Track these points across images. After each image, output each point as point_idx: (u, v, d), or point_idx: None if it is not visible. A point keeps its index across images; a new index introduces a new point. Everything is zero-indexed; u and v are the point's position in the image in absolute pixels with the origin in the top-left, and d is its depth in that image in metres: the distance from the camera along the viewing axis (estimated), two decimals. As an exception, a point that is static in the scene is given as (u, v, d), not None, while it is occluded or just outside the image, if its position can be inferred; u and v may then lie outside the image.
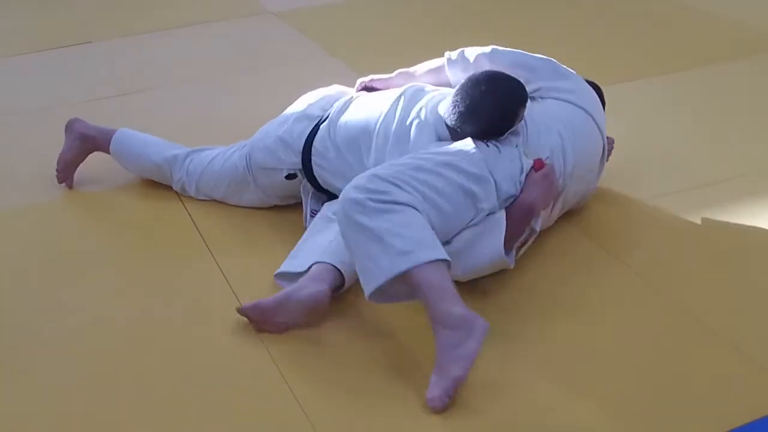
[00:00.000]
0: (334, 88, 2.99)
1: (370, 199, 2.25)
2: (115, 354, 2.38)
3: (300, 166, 2.77)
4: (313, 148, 2.74)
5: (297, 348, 2.35)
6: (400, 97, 2.69)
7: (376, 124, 2.65)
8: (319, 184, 2.77)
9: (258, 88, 3.98)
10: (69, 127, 3.20)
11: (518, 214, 2.44)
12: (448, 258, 2.22)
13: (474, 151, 2.42)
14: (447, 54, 2.80)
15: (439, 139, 2.56)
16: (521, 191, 2.45)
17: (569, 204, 2.72)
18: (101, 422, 2.15)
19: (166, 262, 2.79)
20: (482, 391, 2.17)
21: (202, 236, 2.86)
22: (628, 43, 4.41)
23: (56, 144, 3.19)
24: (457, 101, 2.50)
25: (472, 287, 2.46)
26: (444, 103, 2.56)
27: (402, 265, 2.17)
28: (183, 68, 4.32)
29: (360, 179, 2.33)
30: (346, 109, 2.77)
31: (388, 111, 2.66)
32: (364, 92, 2.91)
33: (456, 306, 2.15)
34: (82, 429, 2.14)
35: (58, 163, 3.15)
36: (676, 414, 2.10)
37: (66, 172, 3.16)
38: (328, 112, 2.80)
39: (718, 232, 2.77)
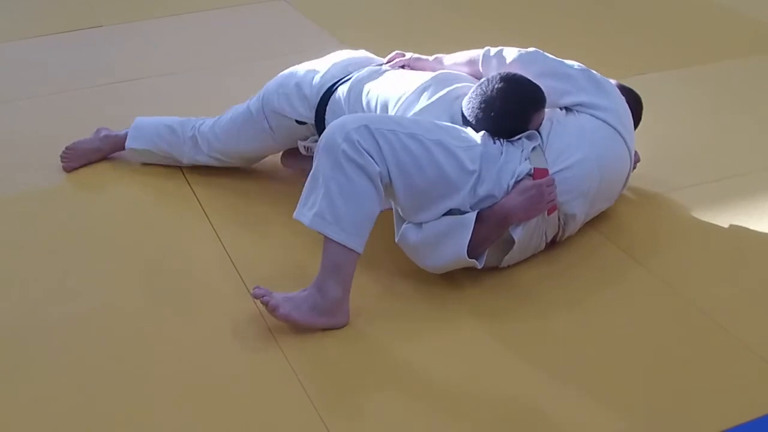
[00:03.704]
0: (362, 53, 2.99)
1: (345, 153, 2.32)
2: (122, 341, 2.38)
3: (313, 121, 2.80)
4: (327, 106, 2.76)
5: (308, 341, 2.34)
6: (428, 82, 2.68)
7: (396, 103, 2.66)
8: None
9: (268, 75, 3.96)
10: (98, 130, 3.26)
11: (493, 219, 2.42)
12: (359, 251, 2.35)
13: (476, 144, 2.43)
14: (487, 48, 2.75)
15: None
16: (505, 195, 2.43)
17: (589, 218, 2.69)
18: (106, 409, 2.15)
19: (173, 248, 2.78)
20: (489, 390, 2.17)
21: (210, 221, 2.86)
22: (642, 36, 4.39)
23: (66, 128, 3.20)
24: (473, 96, 2.52)
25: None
26: (466, 96, 2.57)
27: (317, 226, 2.34)
28: (194, 54, 4.31)
29: (353, 122, 2.37)
30: (372, 79, 2.77)
31: (412, 94, 2.66)
32: (395, 68, 2.88)
33: (338, 290, 2.33)
34: (87, 415, 2.13)
35: (69, 147, 3.15)
36: (684, 409, 2.09)
37: (75, 159, 3.16)
38: (351, 75, 2.80)
39: (728, 229, 2.75)
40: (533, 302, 2.47)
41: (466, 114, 2.53)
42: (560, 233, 2.60)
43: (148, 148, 3.13)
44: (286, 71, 2.94)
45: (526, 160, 2.46)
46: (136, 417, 2.12)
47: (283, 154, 3.12)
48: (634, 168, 2.84)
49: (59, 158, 3.17)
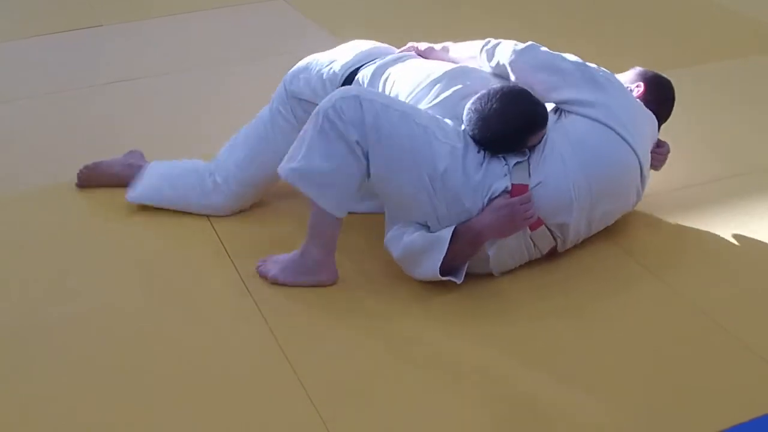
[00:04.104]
0: (384, 45, 2.95)
1: (328, 117, 2.40)
2: (122, 341, 2.38)
3: None
4: None
5: (309, 340, 2.35)
6: (440, 77, 2.66)
7: (409, 94, 2.65)
8: None
9: (268, 75, 3.96)
10: (129, 153, 3.13)
11: (466, 237, 2.42)
12: (337, 215, 2.46)
13: (451, 147, 2.43)
14: (486, 40, 2.73)
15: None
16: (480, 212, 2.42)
17: (600, 223, 2.63)
18: (106, 409, 2.15)
19: (173, 247, 2.77)
20: (490, 391, 2.18)
21: (210, 220, 2.85)
22: (643, 36, 4.39)
23: (66, 128, 3.18)
24: (472, 110, 2.48)
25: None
26: (468, 102, 2.53)
27: (292, 179, 2.47)
28: (193, 54, 4.31)
29: (347, 91, 2.46)
30: (394, 65, 2.76)
31: (424, 88, 2.65)
32: (414, 55, 2.88)
33: (319, 252, 2.49)
34: (88, 415, 2.13)
35: (88, 167, 3.04)
36: (684, 409, 2.09)
37: (91, 180, 3.03)
38: (375, 60, 2.79)
39: (727, 229, 2.74)
40: (532, 302, 2.47)
41: (465, 126, 2.50)
42: (558, 243, 2.57)
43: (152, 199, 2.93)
44: (307, 58, 2.90)
45: (505, 176, 2.43)
46: (136, 417, 2.12)
47: None
48: (664, 159, 2.79)
49: (76, 174, 3.04)
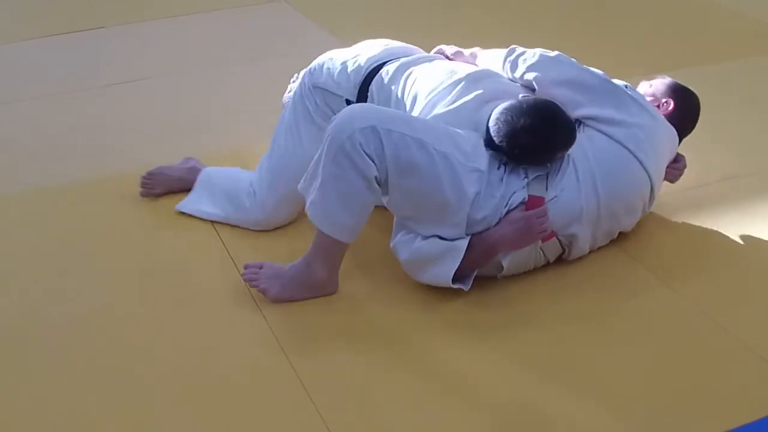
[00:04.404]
0: (412, 46, 2.91)
1: (345, 150, 2.33)
2: (122, 341, 2.37)
3: (354, 99, 2.74)
4: (369, 88, 2.72)
5: (311, 342, 2.34)
6: (462, 79, 2.62)
7: (429, 93, 2.61)
8: None
9: (270, 76, 3.98)
10: (185, 160, 3.10)
11: (481, 247, 2.41)
12: (346, 242, 2.43)
13: (480, 171, 2.39)
14: (512, 48, 2.70)
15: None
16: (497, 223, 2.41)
17: (605, 238, 2.62)
18: (106, 409, 2.15)
19: (174, 247, 2.77)
20: (490, 392, 2.18)
21: (212, 223, 2.86)
22: (643, 37, 4.39)
23: (67, 130, 3.18)
24: (501, 121, 2.43)
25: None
26: (495, 110, 2.47)
27: (309, 212, 2.42)
28: (195, 55, 4.31)
29: (362, 119, 2.35)
30: (419, 63, 2.73)
31: (444, 89, 2.60)
32: (440, 57, 2.86)
33: (324, 271, 2.45)
34: (88, 415, 2.13)
35: (151, 173, 2.97)
36: (685, 410, 2.09)
37: (156, 186, 2.97)
38: (400, 58, 2.76)
39: (728, 229, 2.74)
40: (531, 302, 2.47)
41: (492, 135, 2.45)
42: (566, 252, 2.57)
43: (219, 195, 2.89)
44: (331, 52, 2.87)
45: (524, 188, 2.42)
46: (136, 417, 2.12)
47: None
48: (680, 174, 2.78)
49: (140, 183, 2.96)
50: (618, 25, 4.58)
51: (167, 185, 2.98)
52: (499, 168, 2.44)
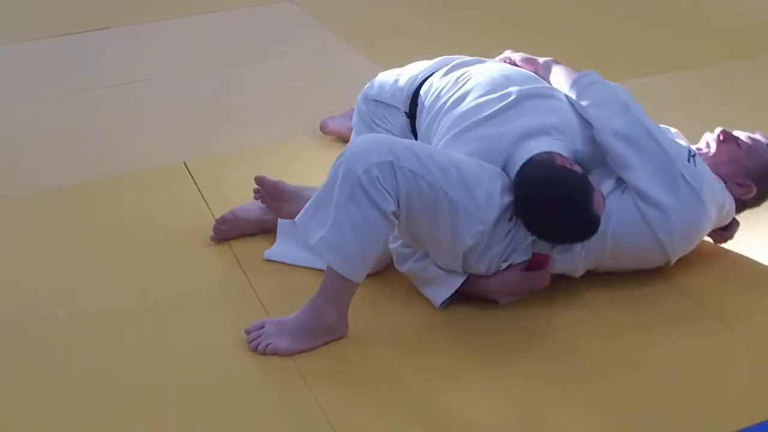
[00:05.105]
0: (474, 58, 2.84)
1: (363, 186, 2.21)
2: (122, 341, 2.38)
3: (407, 109, 2.74)
4: (419, 97, 2.71)
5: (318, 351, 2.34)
6: (514, 91, 2.50)
7: (476, 97, 2.53)
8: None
9: (277, 77, 3.99)
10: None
11: (476, 289, 2.41)
12: (358, 282, 2.28)
13: (486, 226, 2.29)
14: (584, 73, 2.55)
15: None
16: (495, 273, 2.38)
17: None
18: (106, 409, 2.15)
19: (176, 247, 2.77)
20: (490, 392, 2.18)
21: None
22: (643, 37, 4.38)
23: (71, 131, 3.17)
24: (520, 181, 2.31)
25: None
26: (527, 163, 2.31)
27: (322, 250, 2.25)
28: (201, 56, 4.31)
29: (377, 155, 2.23)
30: (471, 65, 2.70)
31: (493, 99, 2.50)
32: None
33: (334, 315, 2.30)
34: (88, 415, 2.14)
35: (225, 217, 2.75)
36: (686, 411, 2.10)
37: (230, 232, 2.76)
38: (446, 69, 2.73)
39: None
40: (530, 300, 2.47)
41: (513, 202, 2.32)
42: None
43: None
44: (393, 70, 2.87)
45: (527, 247, 2.36)
46: (136, 417, 2.13)
47: (323, 121, 3.22)
48: (726, 240, 2.62)
49: (212, 228, 2.76)
50: (618, 25, 4.56)
51: (243, 229, 2.76)
52: (510, 219, 2.32)
